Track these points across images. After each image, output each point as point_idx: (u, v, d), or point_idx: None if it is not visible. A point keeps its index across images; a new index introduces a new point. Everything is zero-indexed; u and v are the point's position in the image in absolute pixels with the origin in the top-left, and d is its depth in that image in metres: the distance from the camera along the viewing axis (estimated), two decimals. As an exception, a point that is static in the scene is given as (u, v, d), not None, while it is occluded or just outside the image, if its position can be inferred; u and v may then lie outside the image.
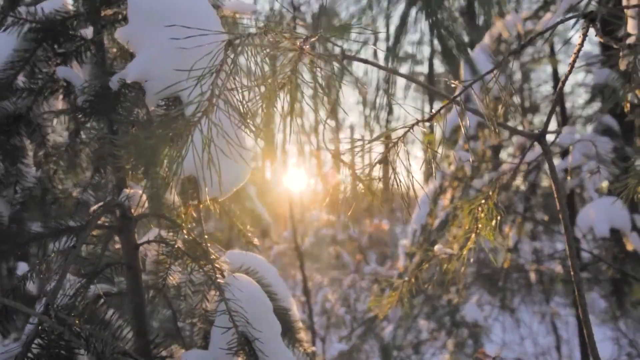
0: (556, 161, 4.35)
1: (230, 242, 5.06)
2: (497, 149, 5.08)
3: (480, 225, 1.46)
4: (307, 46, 1.00)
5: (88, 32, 1.51)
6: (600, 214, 3.14)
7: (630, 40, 1.44)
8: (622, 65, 1.50)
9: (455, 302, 3.90)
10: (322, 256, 8.71)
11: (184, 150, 0.87)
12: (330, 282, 7.56)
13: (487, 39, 3.99)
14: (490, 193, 1.53)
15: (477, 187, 3.98)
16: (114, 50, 1.39)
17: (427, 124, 0.94)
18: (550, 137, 1.24)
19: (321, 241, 8.15)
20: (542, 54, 4.56)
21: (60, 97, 1.42)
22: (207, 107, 0.87)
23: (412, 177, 0.93)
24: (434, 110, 1.07)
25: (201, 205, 1.23)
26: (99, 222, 1.29)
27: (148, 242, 1.31)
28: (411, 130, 0.93)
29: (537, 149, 4.16)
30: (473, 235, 1.50)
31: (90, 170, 1.47)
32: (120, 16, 1.43)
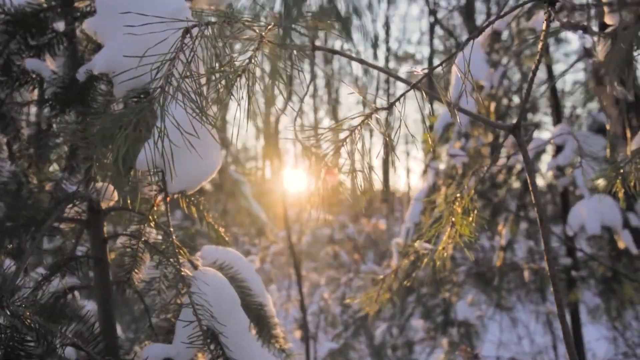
0: (548, 158, 4.32)
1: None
2: (495, 147, 5.05)
3: (455, 220, 1.44)
4: (268, 35, 0.98)
5: (61, 24, 1.49)
6: (591, 212, 3.12)
7: (609, 30, 1.42)
8: (601, 56, 1.48)
9: (448, 300, 3.87)
10: (319, 255, 8.69)
11: (134, 139, 0.85)
12: (327, 281, 7.54)
13: (480, 36, 3.96)
14: (466, 187, 1.52)
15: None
16: (86, 42, 1.38)
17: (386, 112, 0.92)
18: (552, 135, 1.22)
19: (318, 240, 8.13)
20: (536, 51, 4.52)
21: (32, 89, 1.41)
22: (158, 95, 0.86)
23: (372, 168, 0.91)
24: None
25: (168, 198, 1.22)
26: (68, 215, 1.28)
27: (115, 235, 1.29)
28: (369, 120, 0.91)
29: (531, 147, 4.14)
30: (449, 229, 1.48)
31: (62, 163, 1.45)
32: (92, 8, 1.42)
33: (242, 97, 0.95)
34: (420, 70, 0.94)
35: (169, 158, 1.19)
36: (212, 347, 1.18)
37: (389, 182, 17.25)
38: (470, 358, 1.77)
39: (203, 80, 0.92)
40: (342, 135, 0.91)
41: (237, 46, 0.99)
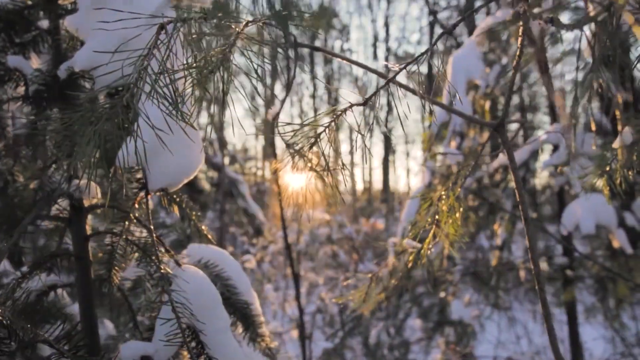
0: (545, 157, 4.31)
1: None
2: (493, 147, 5.04)
3: (440, 218, 1.44)
4: (245, 31, 0.97)
5: (45, 22, 1.49)
6: (586, 211, 3.11)
7: (592, 28, 1.41)
8: (587, 54, 1.47)
9: (445, 300, 3.86)
10: (318, 255, 8.68)
11: (106, 135, 0.85)
12: (325, 281, 7.53)
13: (475, 34, 3.95)
14: (451, 185, 1.51)
15: (466, 185, 3.95)
16: (69, 39, 1.37)
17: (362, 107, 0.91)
18: (549, 133, 1.21)
19: (316, 240, 8.12)
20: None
21: (15, 87, 1.40)
22: (131, 91, 0.85)
23: (343, 163, 0.90)
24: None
25: (149, 195, 1.21)
26: (50, 213, 1.27)
27: (98, 233, 1.29)
28: (344, 115, 0.91)
29: (527, 147, 4.13)
30: (434, 228, 1.48)
31: (47, 161, 1.45)
32: (74, 5, 1.41)
33: (218, 94, 0.95)
34: (396, 65, 0.93)
35: (145, 155, 1.19)
36: (192, 345, 1.17)
37: (389, 181, 17.24)
38: (459, 357, 1.76)
39: (178, 77, 0.91)
40: (318, 131, 0.90)
41: (214, 43, 0.98)
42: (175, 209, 1.28)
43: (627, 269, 3.17)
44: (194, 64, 0.90)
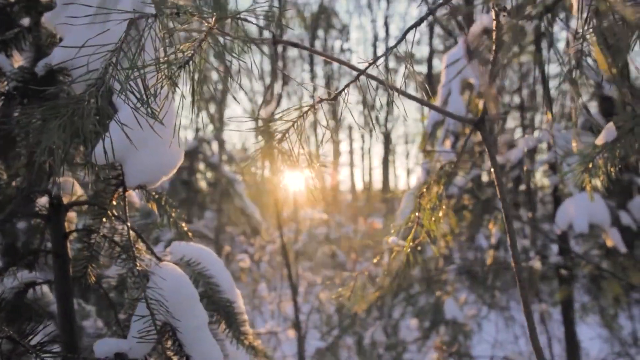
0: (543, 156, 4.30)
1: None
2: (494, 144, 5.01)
3: (421, 215, 1.43)
4: (216, 26, 0.97)
5: (27, 19, 1.49)
6: (579, 210, 3.10)
7: (578, 26, 1.40)
8: (571, 52, 1.46)
9: (441, 299, 3.85)
10: (316, 255, 8.67)
11: (73, 130, 0.84)
12: (323, 280, 7.52)
13: (470, 33, 3.94)
14: (432, 182, 1.50)
15: (459, 184, 3.94)
16: (47, 36, 1.37)
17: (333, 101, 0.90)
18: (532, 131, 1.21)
19: (314, 240, 8.12)
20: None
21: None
22: (97, 85, 0.84)
23: (312, 158, 0.90)
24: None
25: (127, 192, 1.21)
26: (33, 210, 1.27)
27: (76, 230, 1.28)
28: (313, 109, 0.90)
29: (520, 146, 4.11)
30: (415, 226, 1.47)
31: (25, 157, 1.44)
32: (53, 2, 1.41)
33: (191, 89, 0.94)
34: (366, 60, 0.92)
35: (114, 152, 1.19)
36: (169, 342, 1.17)
37: (389, 181, 17.22)
38: (446, 356, 1.75)
39: (149, 72, 0.91)
40: (286, 126, 0.90)
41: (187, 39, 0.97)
42: (154, 206, 1.27)
43: (621, 268, 3.15)
44: (164, 59, 0.89)
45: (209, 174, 6.30)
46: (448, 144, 3.79)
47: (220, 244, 5.96)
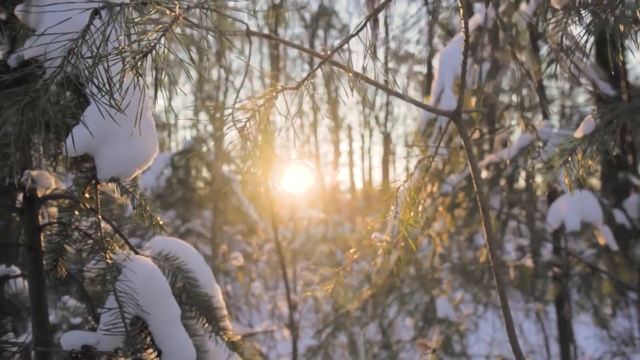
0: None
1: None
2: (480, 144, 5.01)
3: (399, 210, 1.42)
4: (183, 16, 0.96)
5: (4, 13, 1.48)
6: (571, 208, 3.08)
7: (557, 16, 1.39)
8: (552, 41, 1.45)
9: (437, 298, 3.84)
10: (314, 254, 8.67)
11: (31, 120, 0.83)
12: (321, 280, 7.51)
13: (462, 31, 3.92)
14: (412, 178, 1.49)
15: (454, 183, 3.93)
16: (21, 28, 1.36)
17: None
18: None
19: (312, 239, 8.11)
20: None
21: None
22: (56, 73, 0.84)
23: (273, 149, 0.89)
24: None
25: (99, 185, 1.20)
26: (3, 203, 1.26)
27: (50, 223, 1.28)
28: (275, 101, 0.89)
29: (515, 143, 4.10)
30: (393, 220, 1.46)
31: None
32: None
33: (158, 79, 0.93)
34: (328, 49, 0.91)
35: (94, 143, 1.18)
36: (142, 335, 1.16)
37: (389, 181, 17.20)
38: (427, 352, 1.74)
39: (112, 63, 0.90)
40: (247, 115, 0.89)
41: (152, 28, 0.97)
42: (127, 199, 1.26)
43: (614, 266, 3.14)
44: (126, 48, 0.89)
45: (206, 173, 6.29)
46: (441, 141, 3.78)
47: (216, 242, 5.95)
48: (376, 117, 17.43)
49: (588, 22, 1.06)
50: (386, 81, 1.00)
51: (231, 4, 1.42)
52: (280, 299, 6.83)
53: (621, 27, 1.10)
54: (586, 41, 1.13)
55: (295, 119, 0.97)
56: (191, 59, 0.92)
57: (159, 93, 0.93)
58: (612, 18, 1.06)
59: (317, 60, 0.98)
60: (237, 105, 0.88)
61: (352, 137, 18.48)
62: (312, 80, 0.91)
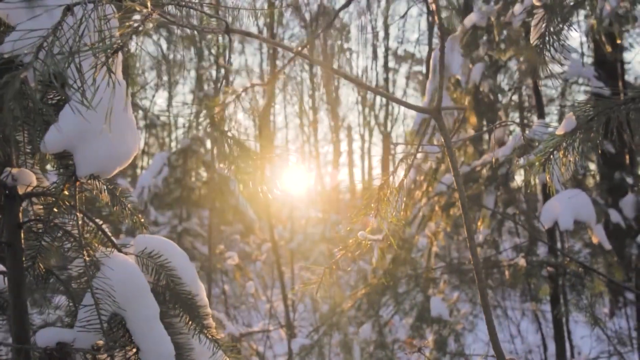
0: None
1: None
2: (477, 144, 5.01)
3: (380, 207, 1.42)
4: (157, 13, 0.96)
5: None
6: (564, 207, 3.08)
7: (536, 10, 1.39)
8: (533, 37, 1.44)
9: (424, 296, 3.84)
10: (313, 254, 8.67)
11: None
12: (317, 279, 7.51)
13: (459, 31, 3.93)
14: (395, 176, 1.49)
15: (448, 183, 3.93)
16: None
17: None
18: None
19: (309, 239, 8.11)
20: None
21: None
22: (20, 72, 0.84)
23: (238, 143, 0.89)
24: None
25: (78, 183, 1.20)
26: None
27: (30, 221, 1.28)
28: (244, 94, 0.89)
29: (510, 142, 4.10)
30: (375, 217, 1.46)
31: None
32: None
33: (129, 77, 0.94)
34: (299, 46, 0.91)
35: (73, 140, 1.18)
36: (120, 332, 1.16)
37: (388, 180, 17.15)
38: (414, 351, 1.74)
39: (84, 59, 0.90)
40: (217, 108, 0.89)
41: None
42: (105, 197, 1.26)
43: (607, 265, 3.13)
44: (98, 44, 0.89)
45: (203, 172, 6.30)
46: (434, 140, 3.78)
47: (213, 242, 5.96)
48: (376, 117, 17.44)
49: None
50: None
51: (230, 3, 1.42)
52: (277, 299, 6.84)
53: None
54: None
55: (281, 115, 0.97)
56: (163, 55, 0.92)
57: (130, 90, 0.93)
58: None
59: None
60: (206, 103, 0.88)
61: (351, 137, 18.48)
62: (281, 76, 0.91)
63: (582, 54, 7.24)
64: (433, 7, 1.04)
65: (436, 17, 1.10)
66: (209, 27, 1.13)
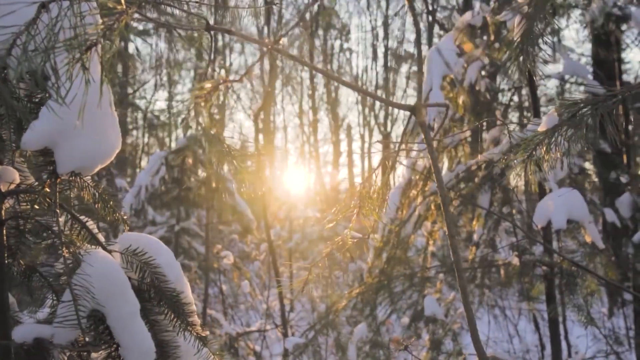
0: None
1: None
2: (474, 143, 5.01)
3: (361, 204, 1.42)
4: (134, 10, 0.96)
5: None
6: (558, 206, 3.07)
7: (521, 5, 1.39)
8: (516, 35, 1.45)
9: (419, 296, 3.84)
10: (312, 254, 8.67)
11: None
12: (315, 279, 7.52)
13: (454, 30, 3.93)
14: (375, 174, 1.49)
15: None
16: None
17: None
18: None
19: (307, 238, 8.11)
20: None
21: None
22: (-4, 66, 0.84)
23: (218, 137, 0.89)
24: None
25: (58, 179, 1.21)
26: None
27: (11, 217, 1.28)
28: (220, 88, 0.89)
29: (505, 140, 4.10)
30: (356, 216, 1.46)
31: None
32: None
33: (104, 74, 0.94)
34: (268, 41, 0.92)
35: (54, 136, 1.18)
36: (99, 329, 1.17)
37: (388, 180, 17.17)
38: (400, 349, 1.74)
39: (59, 56, 0.90)
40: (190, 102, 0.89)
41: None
42: (87, 195, 1.27)
43: (601, 264, 3.12)
44: (71, 41, 0.89)
45: (200, 172, 6.31)
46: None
47: (210, 241, 5.96)
48: (376, 117, 17.45)
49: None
50: (427, 96, 1.00)
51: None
52: (274, 298, 6.84)
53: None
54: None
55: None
56: (137, 50, 0.92)
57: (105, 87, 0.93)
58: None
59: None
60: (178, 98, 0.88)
61: (351, 137, 18.49)
62: (254, 72, 0.91)
63: (582, 54, 7.24)
64: (406, 2, 1.04)
65: (411, 14, 1.10)
66: (188, 25, 1.13)
